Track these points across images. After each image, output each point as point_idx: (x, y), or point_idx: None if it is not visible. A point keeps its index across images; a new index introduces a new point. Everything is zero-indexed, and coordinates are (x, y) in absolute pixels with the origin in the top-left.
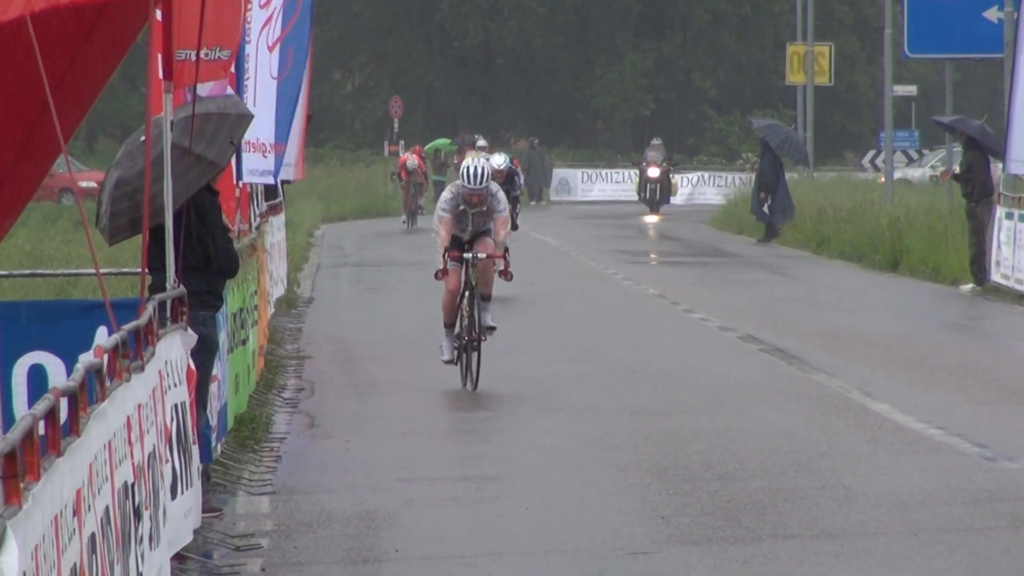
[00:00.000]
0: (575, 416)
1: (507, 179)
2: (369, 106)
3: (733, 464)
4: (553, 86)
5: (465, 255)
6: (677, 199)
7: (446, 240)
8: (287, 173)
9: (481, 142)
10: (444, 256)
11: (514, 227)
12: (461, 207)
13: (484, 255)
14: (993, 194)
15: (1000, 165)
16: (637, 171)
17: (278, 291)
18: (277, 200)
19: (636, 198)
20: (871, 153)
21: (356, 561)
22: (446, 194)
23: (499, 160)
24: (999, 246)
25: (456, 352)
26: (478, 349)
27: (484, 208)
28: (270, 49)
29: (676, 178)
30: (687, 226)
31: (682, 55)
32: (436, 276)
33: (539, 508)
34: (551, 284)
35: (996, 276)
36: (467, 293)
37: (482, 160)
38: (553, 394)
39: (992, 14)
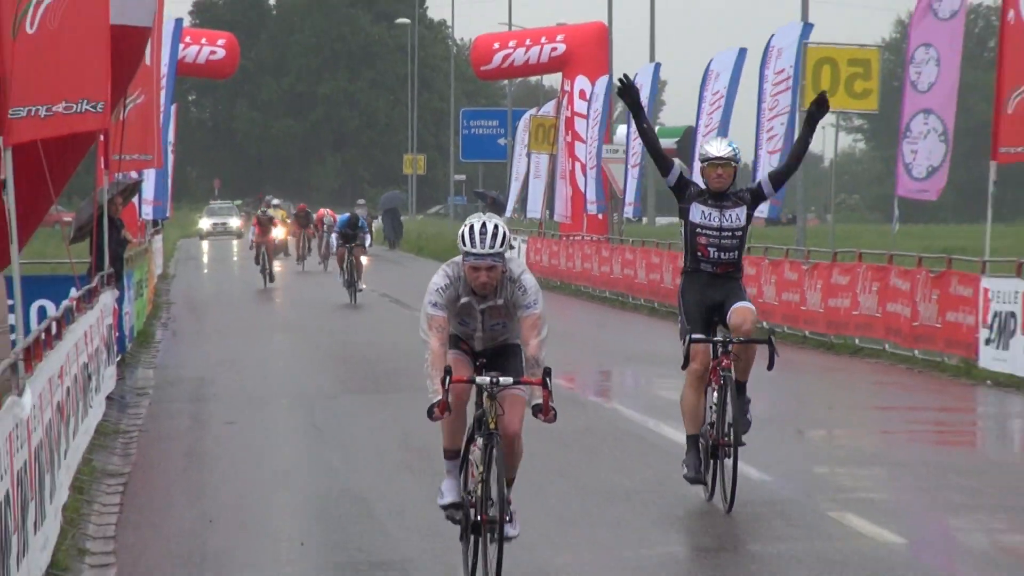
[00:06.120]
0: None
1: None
2: None
3: None
4: None
5: (477, 380)
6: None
7: (440, 353)
8: None
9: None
10: (446, 381)
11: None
12: (463, 299)
13: (512, 386)
14: None
15: None
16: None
17: None
18: None
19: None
20: None
21: None
22: (439, 278)
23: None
24: None
25: (462, 519)
26: (499, 541)
27: (499, 301)
28: None
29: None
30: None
31: None
32: (430, 415)
33: None
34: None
35: None
36: (478, 439)
37: (492, 217)
38: None
39: (503, 141)
